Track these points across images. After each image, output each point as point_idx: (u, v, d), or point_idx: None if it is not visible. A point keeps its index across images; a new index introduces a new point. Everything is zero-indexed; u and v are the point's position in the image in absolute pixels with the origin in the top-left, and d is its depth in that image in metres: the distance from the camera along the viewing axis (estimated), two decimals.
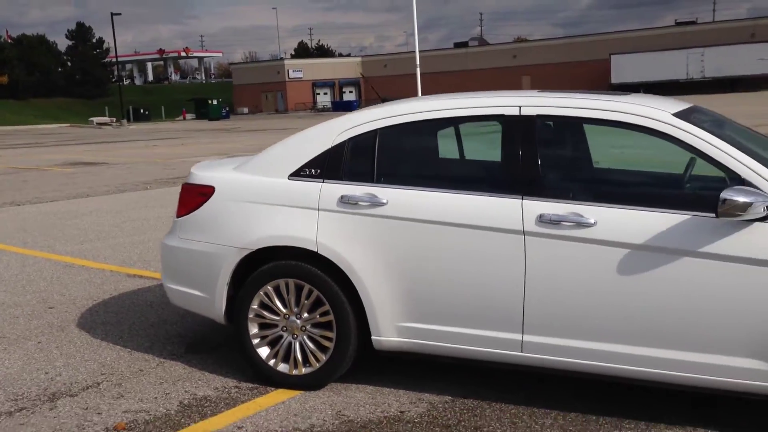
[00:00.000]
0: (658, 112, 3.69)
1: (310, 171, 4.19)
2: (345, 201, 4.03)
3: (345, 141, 4.17)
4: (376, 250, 3.97)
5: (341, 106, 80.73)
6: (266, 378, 4.26)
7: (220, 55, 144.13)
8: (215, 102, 71.83)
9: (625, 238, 3.53)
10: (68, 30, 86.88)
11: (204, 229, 4.36)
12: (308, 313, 4.14)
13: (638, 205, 3.57)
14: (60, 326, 5.43)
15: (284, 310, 4.18)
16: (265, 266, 4.17)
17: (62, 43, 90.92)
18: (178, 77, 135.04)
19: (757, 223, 3.37)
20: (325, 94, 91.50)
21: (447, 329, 3.91)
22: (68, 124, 62.09)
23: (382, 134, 4.13)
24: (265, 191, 4.24)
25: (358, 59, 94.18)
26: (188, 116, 74.70)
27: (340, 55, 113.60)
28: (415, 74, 37.97)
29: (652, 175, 4.14)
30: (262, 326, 4.25)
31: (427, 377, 4.29)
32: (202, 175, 4.52)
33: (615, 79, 67.36)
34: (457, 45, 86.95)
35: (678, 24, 74.30)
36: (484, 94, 4.13)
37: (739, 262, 3.37)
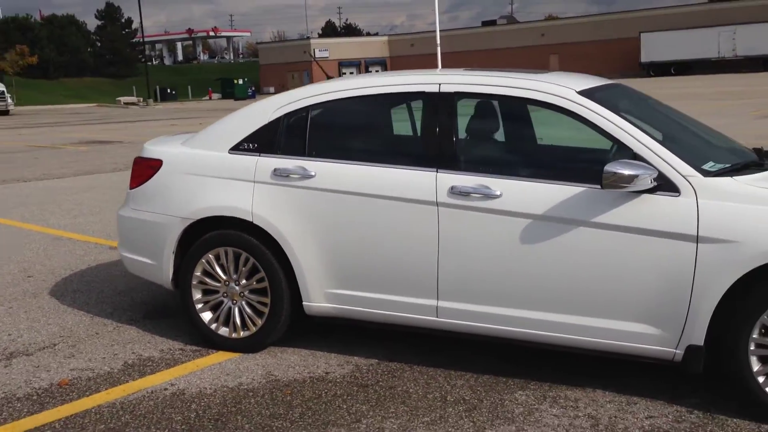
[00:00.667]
0: (563, 90, 3.86)
1: (248, 145, 4.42)
2: (278, 174, 4.26)
3: (281, 117, 4.39)
4: (305, 220, 4.19)
5: None
6: (209, 341, 4.52)
7: (249, 34, 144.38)
8: (241, 82, 72.27)
9: (526, 208, 3.72)
10: (97, 10, 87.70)
11: (152, 200, 4.62)
12: (246, 279, 4.38)
13: (540, 178, 3.76)
14: (33, 293, 5.75)
15: (224, 277, 4.43)
16: (207, 235, 4.42)
17: (92, 24, 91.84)
18: (206, 57, 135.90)
19: (644, 195, 3.55)
20: (351, 73, 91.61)
21: (370, 295, 4.14)
22: (96, 104, 62.96)
23: (314, 111, 4.35)
24: (207, 164, 4.48)
25: (385, 38, 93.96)
26: (214, 96, 75.24)
27: (368, 35, 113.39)
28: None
29: (556, 150, 4.30)
30: (205, 292, 4.51)
31: (360, 342, 4.52)
32: (152, 149, 4.78)
33: (645, 57, 66.48)
34: (485, 23, 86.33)
35: (710, 1, 72.96)
36: (409, 73, 4.32)
37: (627, 231, 3.55)
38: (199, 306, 4.51)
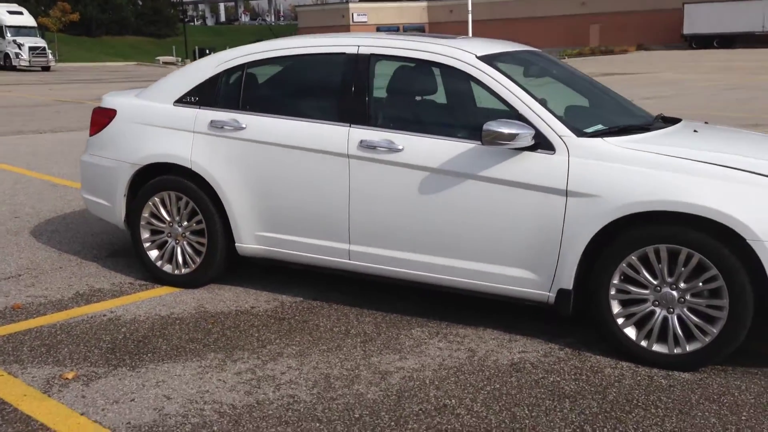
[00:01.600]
0: (464, 54, 4.19)
1: (190, 98, 4.83)
2: (214, 125, 4.66)
3: (220, 73, 4.79)
4: (237, 168, 4.60)
5: None
6: (156, 277, 4.98)
7: None
8: None
9: (423, 162, 4.08)
10: None
11: (107, 147, 5.06)
12: (187, 221, 4.82)
13: (438, 134, 4.11)
14: (15, 232, 6.26)
15: (168, 219, 4.86)
16: (152, 180, 4.86)
17: None
18: (247, 19, 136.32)
19: (525, 152, 3.89)
20: None
21: (292, 238, 4.54)
22: (136, 63, 63.90)
23: (249, 68, 4.74)
24: (154, 115, 4.90)
25: (424, 4, 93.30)
26: None
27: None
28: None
29: (457, 109, 4.61)
30: (152, 232, 4.95)
31: (294, 283, 4.93)
32: (109, 100, 5.21)
33: (687, 29, 65.12)
34: None
35: None
36: (334, 35, 4.68)
37: (508, 185, 3.90)
38: (147, 245, 4.96)
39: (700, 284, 3.64)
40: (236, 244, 4.70)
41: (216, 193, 4.66)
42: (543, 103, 4.01)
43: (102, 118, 5.13)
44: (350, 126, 4.31)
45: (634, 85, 23.37)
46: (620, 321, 3.81)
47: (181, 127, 4.76)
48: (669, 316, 3.73)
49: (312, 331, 4.20)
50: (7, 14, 48.39)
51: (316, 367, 3.74)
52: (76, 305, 4.59)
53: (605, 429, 3.19)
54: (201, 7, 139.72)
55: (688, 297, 3.68)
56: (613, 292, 3.80)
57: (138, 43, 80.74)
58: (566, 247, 3.82)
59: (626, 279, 3.77)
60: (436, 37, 4.46)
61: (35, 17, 59.12)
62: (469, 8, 38.89)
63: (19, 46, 45.52)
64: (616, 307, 3.82)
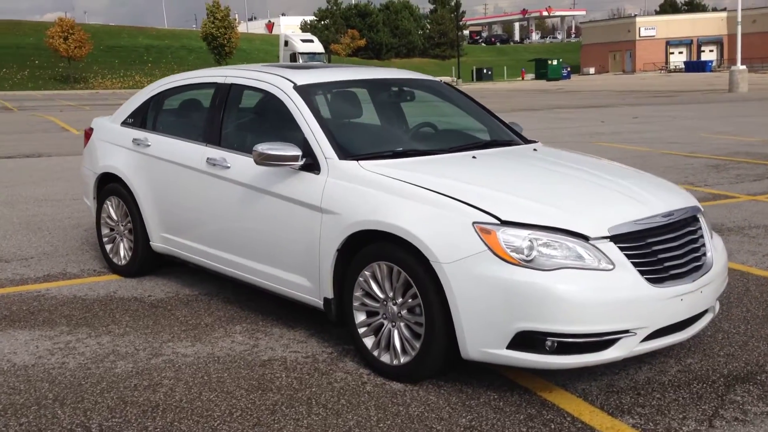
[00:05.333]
0: (283, 81, 4.71)
1: (129, 120, 5.84)
2: (135, 142, 5.62)
3: (148, 99, 5.75)
4: (146, 178, 5.49)
5: (694, 67, 75.63)
6: (107, 267, 6.05)
7: (583, 13, 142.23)
8: (554, 62, 72.38)
9: (239, 178, 4.67)
10: None
11: (87, 158, 6.26)
12: (122, 221, 5.82)
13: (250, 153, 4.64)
14: (76, 225, 7.76)
15: (115, 217, 5.90)
16: (105, 186, 5.94)
17: (426, 7, 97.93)
18: (538, 37, 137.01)
19: (302, 172, 4.29)
20: (680, 53, 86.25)
21: (179, 240, 5.31)
22: None
23: (162, 95, 5.66)
24: (108, 133, 6.00)
25: (723, 14, 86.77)
26: (527, 76, 76.40)
27: (714, 10, 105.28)
28: None
29: (273, 130, 4.96)
30: (110, 229, 6.02)
31: (206, 279, 5.70)
32: (93, 120, 6.41)
33: None
34: None
35: None
36: (217, 69, 5.44)
37: (289, 201, 4.34)
38: (105, 240, 6.05)
39: (409, 300, 3.78)
40: (151, 243, 5.58)
41: (135, 198, 5.60)
42: (326, 128, 4.37)
43: (88, 134, 6.35)
44: (206, 145, 5.00)
45: None
46: (362, 330, 4.05)
47: (120, 144, 5.79)
48: (392, 329, 3.90)
49: (165, 317, 4.93)
50: (300, 42, 54.47)
51: (110, 343, 4.49)
52: (35, 282, 5.79)
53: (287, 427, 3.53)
54: (494, 27, 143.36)
55: (403, 312, 3.84)
56: (356, 303, 4.04)
57: (422, 65, 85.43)
58: (323, 260, 4.15)
59: (365, 292, 4.01)
60: (285, 68, 5.00)
61: (328, 44, 65.71)
62: (738, 18, 35.87)
63: None
64: (359, 318, 4.06)
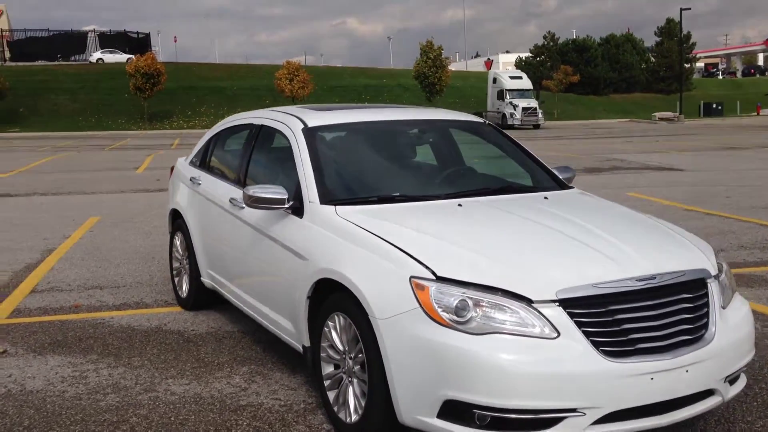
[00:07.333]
0: (295, 122, 4.66)
1: (194, 159, 6.07)
2: (192, 180, 5.81)
3: (209, 138, 5.93)
4: (197, 215, 5.66)
5: None
6: (177, 300, 6.27)
7: None
8: None
9: (250, 219, 4.64)
10: (657, 27, 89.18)
11: (170, 192, 6.57)
12: (184, 254, 6.01)
13: None
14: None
15: (180, 251, 6.12)
16: (175, 221, 6.19)
17: (650, 40, 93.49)
18: None
19: (292, 215, 4.18)
20: None
21: (216, 275, 5.39)
22: (628, 119, 64.72)
23: (217, 135, 5.80)
24: (180, 172, 6.26)
25: None
26: (763, 111, 70.06)
27: None
28: None
29: (285, 170, 4.79)
30: (178, 262, 6.24)
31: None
32: (177, 159, 6.72)
33: None
34: None
35: None
36: (254, 112, 5.50)
37: (278, 243, 4.25)
38: (174, 273, 6.30)
39: (359, 355, 3.51)
40: (202, 279, 5.71)
41: (190, 233, 5.77)
42: (318, 171, 4.23)
43: (171, 171, 6.67)
44: (233, 185, 5.05)
45: None
46: (327, 383, 3.82)
47: (184, 182, 6.02)
48: (349, 384, 3.64)
49: (181, 353, 5.01)
50: (509, 79, 54.25)
51: (119, 375, 4.61)
52: (108, 309, 6.15)
53: None
54: (733, 58, 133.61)
55: (356, 368, 3.57)
56: (323, 354, 3.83)
57: (645, 100, 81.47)
58: (298, 307, 3.99)
59: (329, 344, 3.78)
60: (309, 109, 4.95)
61: (540, 81, 64.85)
62: None
63: (514, 107, 50.72)
64: (326, 369, 3.83)
